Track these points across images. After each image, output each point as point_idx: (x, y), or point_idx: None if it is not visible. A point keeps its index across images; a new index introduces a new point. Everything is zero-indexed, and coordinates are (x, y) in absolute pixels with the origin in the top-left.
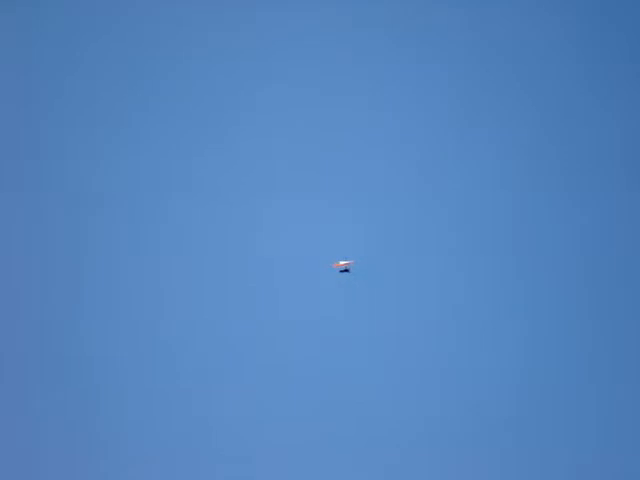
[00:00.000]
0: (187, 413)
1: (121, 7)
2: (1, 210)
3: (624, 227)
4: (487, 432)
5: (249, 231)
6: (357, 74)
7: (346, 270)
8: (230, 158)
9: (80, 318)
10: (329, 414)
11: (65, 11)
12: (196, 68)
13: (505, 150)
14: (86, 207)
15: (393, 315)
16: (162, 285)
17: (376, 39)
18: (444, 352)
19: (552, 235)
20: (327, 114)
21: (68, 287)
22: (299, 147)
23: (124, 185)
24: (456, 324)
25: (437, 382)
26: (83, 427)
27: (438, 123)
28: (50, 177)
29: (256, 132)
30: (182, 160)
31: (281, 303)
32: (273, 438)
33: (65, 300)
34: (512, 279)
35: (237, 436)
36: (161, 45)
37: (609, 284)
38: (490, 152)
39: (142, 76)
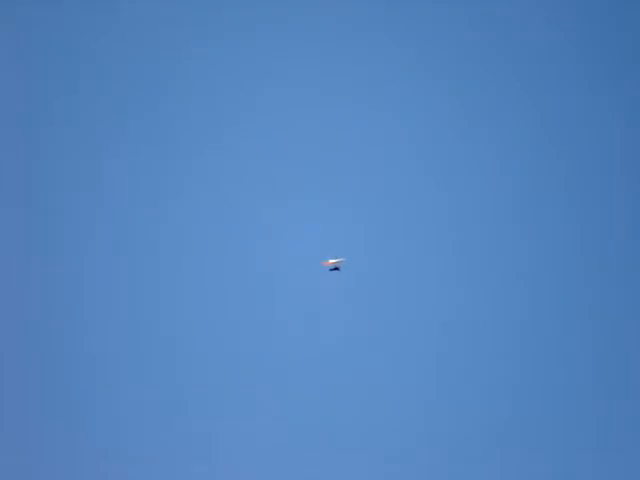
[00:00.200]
0: (186, 413)
1: (120, 9)
2: (2, 210)
3: (624, 230)
4: (487, 432)
5: (248, 230)
6: (356, 74)
7: (336, 268)
8: (229, 158)
9: (81, 321)
10: (328, 413)
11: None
12: (196, 68)
13: (504, 149)
14: (86, 207)
15: (391, 314)
16: (160, 285)
17: (376, 39)
18: (442, 351)
19: (550, 235)
20: (325, 114)
21: (67, 292)
22: (298, 147)
23: (124, 185)
24: (453, 324)
25: (434, 381)
26: (82, 427)
27: (436, 122)
28: (49, 177)
29: (253, 133)
30: (181, 160)
31: (278, 302)
32: (270, 437)
33: (64, 305)
34: (511, 279)
35: (236, 436)
36: (161, 46)
37: (608, 287)
38: (490, 152)
39: (142, 78)
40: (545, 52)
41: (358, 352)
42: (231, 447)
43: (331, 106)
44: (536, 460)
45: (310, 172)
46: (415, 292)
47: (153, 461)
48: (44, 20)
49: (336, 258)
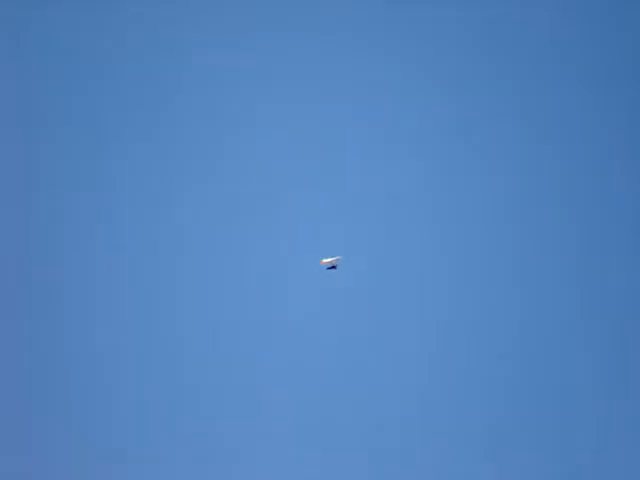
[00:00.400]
0: (186, 412)
1: (120, 9)
2: (3, 210)
3: (624, 231)
4: (487, 432)
5: (247, 230)
6: (357, 74)
7: (333, 267)
8: (229, 158)
9: (81, 321)
10: (328, 413)
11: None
12: (197, 69)
13: (505, 148)
14: (86, 207)
15: (391, 313)
16: (159, 285)
17: (377, 39)
18: (442, 351)
19: (551, 234)
20: (324, 114)
21: (67, 292)
22: (298, 147)
23: (123, 185)
24: (453, 323)
25: (434, 381)
26: (83, 427)
27: (436, 122)
28: (49, 177)
29: (253, 132)
30: (180, 161)
31: (278, 302)
32: (270, 437)
33: (65, 304)
34: (512, 279)
35: (236, 436)
36: (161, 46)
37: (609, 287)
38: (490, 151)
39: (142, 78)
40: (546, 52)
41: (358, 352)
42: (231, 447)
43: (331, 105)
44: (536, 460)
45: (309, 172)
46: (415, 291)
47: (153, 461)
48: (44, 20)
49: (332, 257)
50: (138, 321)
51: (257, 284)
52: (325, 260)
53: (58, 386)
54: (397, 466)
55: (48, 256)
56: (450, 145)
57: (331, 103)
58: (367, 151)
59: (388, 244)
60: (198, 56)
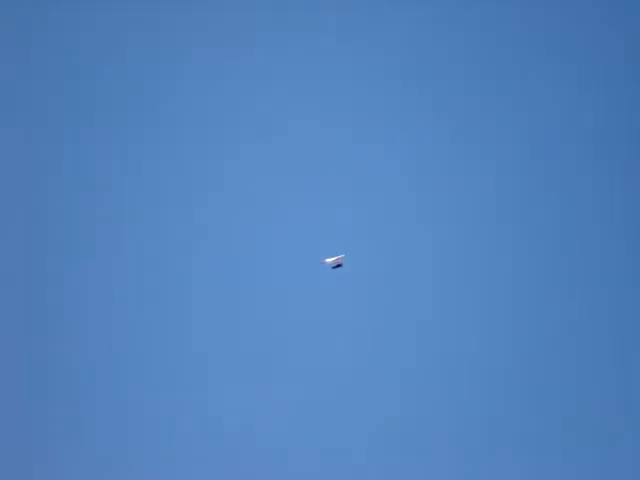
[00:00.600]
0: (186, 412)
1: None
2: (5, 210)
3: (625, 232)
4: (487, 432)
5: (247, 230)
6: (357, 73)
7: (339, 265)
8: (228, 157)
9: (81, 320)
10: (329, 413)
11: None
12: (196, 69)
13: (505, 148)
14: (86, 207)
15: (390, 313)
16: (159, 285)
17: (377, 39)
18: (441, 351)
19: (551, 234)
20: (324, 113)
21: (67, 292)
22: (298, 146)
23: (123, 185)
24: (453, 322)
25: (434, 381)
26: (82, 427)
27: (437, 121)
28: (49, 177)
29: (253, 132)
30: (179, 161)
31: (277, 301)
32: (269, 437)
33: (64, 303)
34: (512, 279)
35: (235, 436)
36: (161, 44)
37: (608, 288)
38: (490, 151)
39: (142, 77)
40: (546, 52)
41: (358, 352)
42: (231, 447)
43: (330, 105)
44: (535, 460)
45: (309, 171)
46: (415, 291)
47: (153, 461)
48: (44, 20)
49: (336, 255)
50: (138, 321)
51: (257, 284)
52: (329, 260)
53: (58, 386)
54: (401, 465)
55: (48, 255)
56: (450, 145)
57: (331, 103)
58: (366, 151)
59: (387, 244)
60: (198, 56)
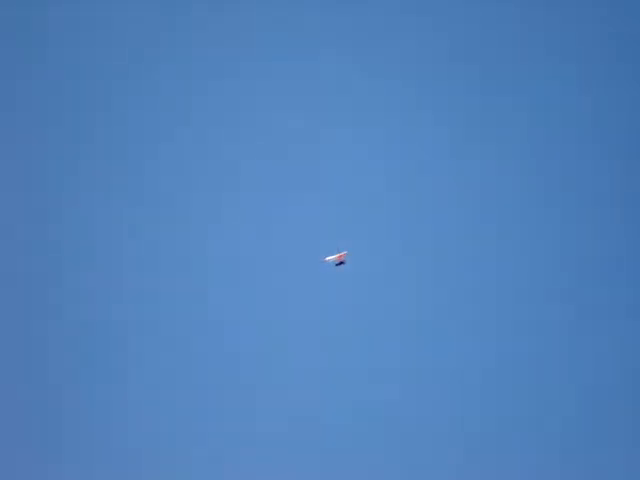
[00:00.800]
0: (186, 413)
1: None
2: (7, 209)
3: (625, 233)
4: (488, 432)
5: (246, 230)
6: (357, 73)
7: (341, 263)
8: (225, 158)
9: (81, 320)
10: (329, 414)
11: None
12: (195, 69)
13: (505, 148)
14: (86, 207)
15: (390, 313)
16: (160, 284)
17: (376, 40)
18: (442, 351)
19: (552, 235)
20: (323, 113)
21: (67, 291)
22: (297, 146)
23: (121, 185)
24: (453, 323)
25: (434, 381)
26: (83, 427)
27: (437, 121)
28: (50, 177)
29: (251, 132)
30: (179, 161)
31: (277, 300)
32: (269, 437)
33: (64, 303)
34: (512, 279)
35: (235, 436)
36: (161, 44)
37: (609, 289)
38: (489, 152)
39: (141, 77)
40: (546, 52)
41: (357, 352)
42: (230, 448)
43: (330, 105)
44: (535, 460)
45: (308, 171)
46: (415, 292)
47: (153, 461)
48: (44, 20)
49: (338, 252)
50: (138, 322)
51: (257, 283)
52: (329, 257)
53: (56, 385)
54: (397, 467)
55: (47, 255)
56: (450, 145)
57: (331, 103)
58: (366, 151)
59: (387, 244)
60: (198, 56)
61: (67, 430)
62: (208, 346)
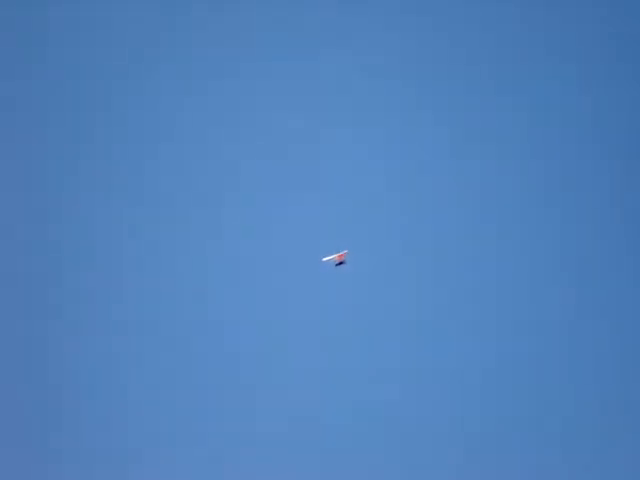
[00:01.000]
0: (185, 413)
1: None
2: (7, 209)
3: (625, 238)
4: (487, 433)
5: (244, 229)
6: (357, 73)
7: (341, 263)
8: (225, 158)
9: (80, 321)
10: (329, 415)
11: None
12: (195, 69)
13: (506, 148)
14: (86, 207)
15: (390, 314)
16: (160, 285)
17: (376, 40)
18: (439, 352)
19: (546, 234)
20: (323, 113)
21: (67, 290)
22: (297, 146)
23: (120, 185)
24: (452, 323)
25: (434, 381)
26: (82, 427)
27: (437, 121)
28: (50, 177)
29: (252, 132)
30: (177, 161)
31: (277, 300)
32: (268, 439)
33: (63, 302)
34: (513, 279)
35: (235, 437)
36: (161, 44)
37: (609, 290)
38: (489, 152)
39: (141, 77)
40: (546, 52)
41: (357, 352)
42: (230, 448)
43: (330, 105)
44: (535, 460)
45: (308, 171)
46: (415, 291)
47: (153, 462)
48: (44, 19)
49: (338, 252)
50: (138, 322)
51: (257, 283)
52: (327, 258)
53: (56, 384)
54: (401, 465)
55: (47, 254)
56: (450, 145)
57: (331, 103)
58: (366, 151)
59: (387, 244)
60: (198, 56)
61: (67, 430)
62: (208, 346)
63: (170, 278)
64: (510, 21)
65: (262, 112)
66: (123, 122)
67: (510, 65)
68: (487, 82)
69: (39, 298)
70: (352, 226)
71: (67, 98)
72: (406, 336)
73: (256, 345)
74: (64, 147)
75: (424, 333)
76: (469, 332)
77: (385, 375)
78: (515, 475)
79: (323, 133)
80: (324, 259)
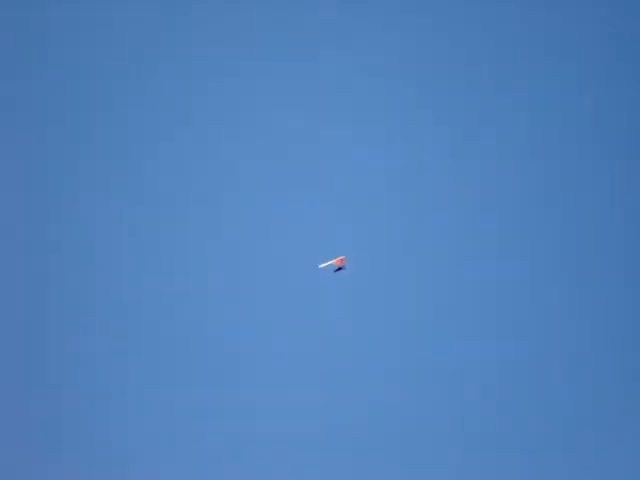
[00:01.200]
0: (185, 413)
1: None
2: (7, 209)
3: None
4: (484, 432)
5: (244, 229)
6: (357, 73)
7: (340, 269)
8: (225, 157)
9: (79, 321)
10: (326, 413)
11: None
12: (194, 69)
13: (507, 148)
14: (85, 207)
15: (391, 315)
16: (160, 285)
17: (376, 41)
18: (439, 352)
19: (546, 235)
20: (322, 113)
21: (66, 290)
22: (296, 147)
23: (120, 184)
24: (451, 323)
25: (434, 382)
26: (83, 427)
27: (437, 122)
28: (49, 176)
29: (250, 133)
30: (177, 161)
31: (277, 299)
32: (268, 441)
33: (63, 302)
34: (510, 279)
35: (234, 438)
36: (161, 44)
37: (609, 291)
38: (489, 152)
39: (141, 77)
40: (546, 52)
41: (357, 352)
42: (230, 448)
43: (329, 105)
44: (535, 460)
45: (308, 171)
46: (415, 291)
47: (153, 462)
48: (44, 19)
49: (336, 257)
50: (137, 322)
51: (257, 283)
52: (324, 264)
53: (55, 385)
54: (401, 465)
55: (47, 254)
56: (450, 145)
57: (331, 103)
58: (366, 151)
59: (386, 245)
60: (198, 56)
61: (67, 430)
62: (208, 346)
63: (170, 278)
64: (510, 21)
65: (262, 112)
66: (123, 122)
67: (510, 65)
68: (487, 82)
69: (39, 298)
70: (352, 226)
71: (67, 98)
72: (406, 336)
73: (256, 345)
74: (64, 147)
75: (424, 333)
76: (469, 332)
77: (385, 375)
78: (515, 475)
79: (323, 133)
80: (321, 265)
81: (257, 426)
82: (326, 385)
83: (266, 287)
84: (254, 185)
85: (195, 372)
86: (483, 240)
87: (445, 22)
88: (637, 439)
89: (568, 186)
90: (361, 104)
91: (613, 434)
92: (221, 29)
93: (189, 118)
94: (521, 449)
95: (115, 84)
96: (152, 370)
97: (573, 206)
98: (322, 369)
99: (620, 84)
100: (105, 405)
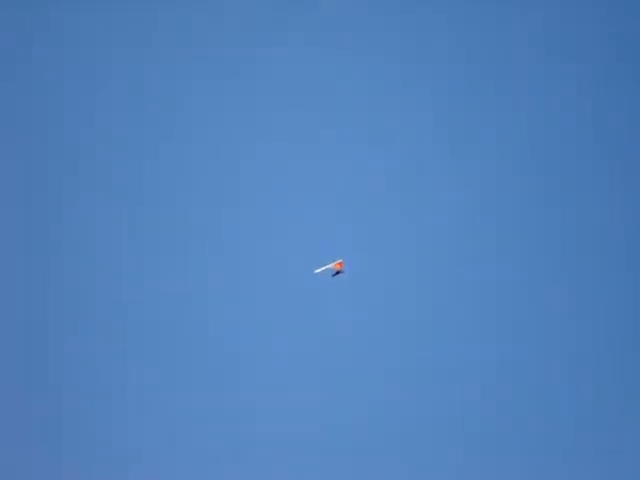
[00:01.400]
0: (185, 413)
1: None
2: (7, 209)
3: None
4: (484, 432)
5: (244, 229)
6: (357, 74)
7: (337, 272)
8: (225, 158)
9: (79, 321)
10: (326, 413)
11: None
12: (194, 69)
13: (507, 149)
14: (85, 206)
15: (391, 317)
16: (159, 285)
17: (376, 41)
18: (439, 352)
19: (546, 235)
20: (322, 113)
21: (65, 290)
22: (296, 146)
23: (119, 184)
24: (451, 323)
25: (434, 382)
26: (82, 428)
27: (438, 122)
28: (49, 176)
29: (251, 133)
30: (176, 162)
31: (277, 300)
32: (267, 442)
33: (62, 303)
34: (510, 279)
35: (234, 439)
36: (161, 44)
37: (609, 291)
38: (489, 152)
39: (141, 77)
40: (546, 52)
41: (357, 352)
42: (230, 448)
43: (329, 105)
44: (535, 460)
45: (308, 171)
46: (415, 291)
47: (153, 462)
48: (45, 19)
49: (333, 261)
50: (137, 322)
51: (257, 283)
52: (320, 269)
53: (55, 385)
54: (400, 465)
55: (48, 254)
56: (450, 145)
57: (331, 103)
58: (366, 151)
59: (385, 246)
60: (198, 56)
61: (67, 430)
62: (208, 346)
63: (170, 278)
64: (510, 21)
65: (262, 112)
66: (123, 122)
67: (510, 65)
68: (487, 82)
69: (39, 298)
70: (351, 226)
71: (67, 98)
72: (406, 336)
73: (256, 345)
74: (64, 147)
75: (424, 333)
76: (469, 332)
77: (385, 375)
78: (515, 475)
79: (323, 133)
80: (317, 271)
81: (257, 426)
82: (326, 385)
83: (266, 287)
84: (254, 185)
85: (195, 372)
86: (483, 240)
87: (445, 22)
88: (637, 439)
89: (568, 186)
90: (361, 104)
91: (613, 434)
92: (221, 29)
93: (189, 118)
94: (521, 449)
95: (115, 84)
96: (152, 370)
97: (573, 206)
98: (322, 369)
99: (620, 84)
100: (105, 405)
